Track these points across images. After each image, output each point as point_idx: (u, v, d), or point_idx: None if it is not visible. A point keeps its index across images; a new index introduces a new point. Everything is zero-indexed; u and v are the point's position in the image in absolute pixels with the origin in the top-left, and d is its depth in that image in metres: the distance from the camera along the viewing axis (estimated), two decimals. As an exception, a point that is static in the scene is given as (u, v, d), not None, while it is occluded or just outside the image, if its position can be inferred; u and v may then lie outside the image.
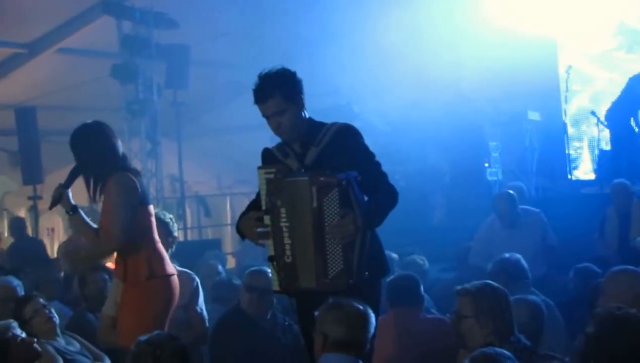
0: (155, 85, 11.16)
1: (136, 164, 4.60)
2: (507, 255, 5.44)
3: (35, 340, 3.83)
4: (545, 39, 11.64)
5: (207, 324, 5.31)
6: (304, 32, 11.46)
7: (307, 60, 10.05)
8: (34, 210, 11.39)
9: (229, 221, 14.51)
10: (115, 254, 4.41)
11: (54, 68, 12.08)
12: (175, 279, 4.42)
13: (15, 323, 3.84)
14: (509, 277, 5.08)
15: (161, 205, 10.68)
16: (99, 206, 4.39)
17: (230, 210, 15.21)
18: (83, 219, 4.42)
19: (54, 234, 14.22)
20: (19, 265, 7.54)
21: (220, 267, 7.09)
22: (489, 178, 9.90)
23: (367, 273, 3.54)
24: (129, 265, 4.30)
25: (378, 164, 3.76)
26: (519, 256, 5.43)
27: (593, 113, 10.71)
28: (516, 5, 11.38)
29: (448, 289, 4.65)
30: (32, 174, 10.97)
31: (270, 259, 3.65)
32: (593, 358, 2.80)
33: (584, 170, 12.00)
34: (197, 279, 5.32)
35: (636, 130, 10.07)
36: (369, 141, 3.80)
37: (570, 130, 11.52)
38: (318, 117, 3.84)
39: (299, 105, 3.70)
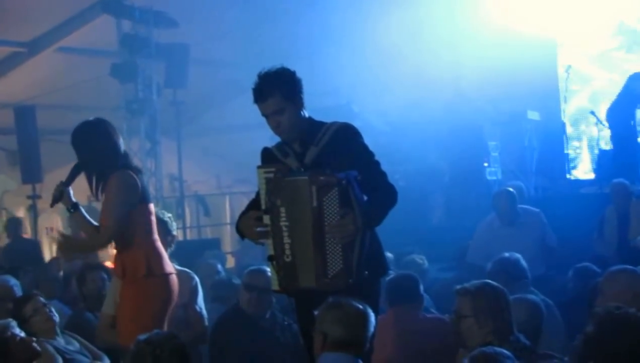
0: (155, 85, 11.14)
1: (136, 163, 4.59)
2: (506, 254, 5.44)
3: (35, 339, 3.84)
4: (544, 39, 11.65)
5: (207, 323, 5.31)
6: (304, 32, 11.44)
7: (307, 60, 10.03)
8: (33, 209, 11.38)
9: (228, 220, 14.48)
10: (114, 253, 4.41)
11: (53, 67, 12.08)
12: (174, 278, 4.42)
13: (14, 323, 3.85)
14: (509, 277, 5.08)
15: (160, 204, 10.66)
16: (99, 205, 4.39)
17: (229, 209, 15.17)
18: (84, 217, 4.42)
19: (53, 233, 14.20)
20: (14, 265, 7.53)
21: (219, 267, 7.10)
22: (489, 178, 9.90)
23: (366, 272, 3.54)
24: (127, 262, 4.30)
25: (377, 164, 3.76)
26: (518, 256, 5.43)
27: (592, 113, 10.72)
28: (516, 5, 11.40)
29: (447, 289, 4.66)
30: (31, 173, 10.94)
31: (270, 259, 3.64)
32: (592, 357, 2.79)
33: (583, 170, 12.01)
34: (197, 278, 5.33)
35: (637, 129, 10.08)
36: (368, 141, 3.79)
37: (570, 130, 11.54)
38: (318, 117, 3.83)
39: (299, 104, 3.70)
